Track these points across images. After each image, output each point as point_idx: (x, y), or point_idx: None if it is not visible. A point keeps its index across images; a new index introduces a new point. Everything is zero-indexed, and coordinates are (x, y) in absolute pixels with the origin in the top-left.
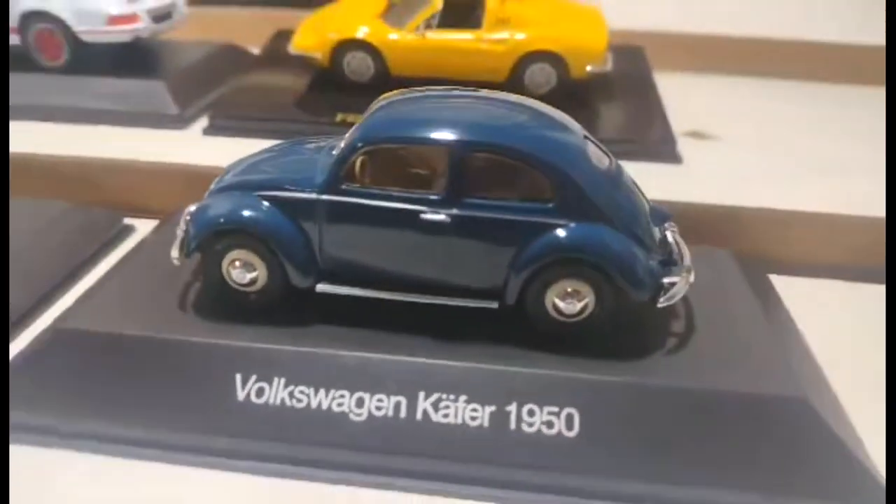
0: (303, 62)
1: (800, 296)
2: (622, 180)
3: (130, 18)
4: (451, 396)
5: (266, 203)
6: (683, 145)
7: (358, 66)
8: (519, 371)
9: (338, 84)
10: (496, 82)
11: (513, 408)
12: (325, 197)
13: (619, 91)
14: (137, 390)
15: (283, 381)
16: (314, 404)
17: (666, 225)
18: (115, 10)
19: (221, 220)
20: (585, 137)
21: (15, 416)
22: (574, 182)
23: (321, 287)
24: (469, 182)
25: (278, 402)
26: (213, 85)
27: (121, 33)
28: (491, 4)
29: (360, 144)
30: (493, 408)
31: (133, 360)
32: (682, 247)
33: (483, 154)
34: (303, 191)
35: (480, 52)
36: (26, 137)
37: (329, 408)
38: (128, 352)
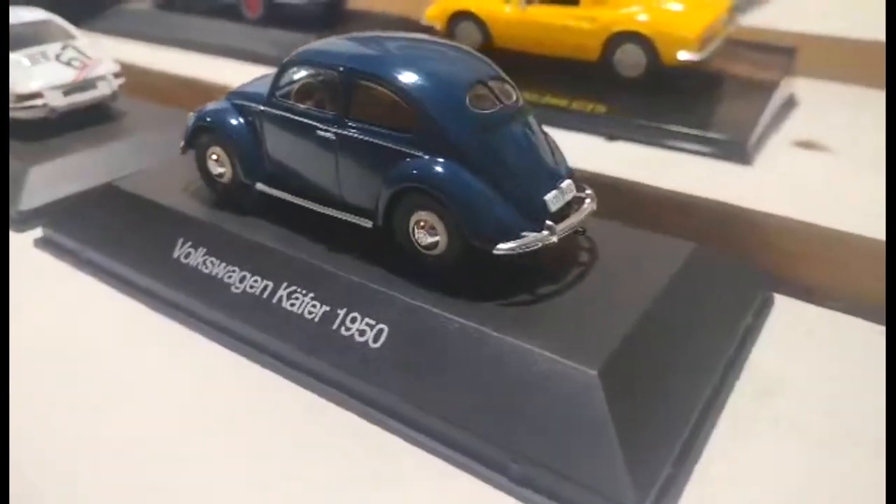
0: None
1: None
2: (510, 128)
3: None
4: (303, 291)
5: (236, 111)
6: (777, 151)
7: (467, 35)
8: (356, 281)
9: None
10: (589, 61)
11: (342, 311)
12: (262, 108)
13: (726, 85)
14: (128, 238)
15: (203, 250)
16: (214, 272)
17: (563, 184)
18: None
19: (202, 119)
20: (489, 79)
21: (56, 237)
22: (431, 116)
23: (259, 186)
24: (353, 106)
25: (195, 264)
26: None
27: None
28: None
29: (283, 62)
30: (327, 308)
31: (135, 216)
32: (575, 210)
33: (364, 81)
34: (258, 102)
35: (572, 29)
36: None
37: (221, 278)
38: (136, 209)
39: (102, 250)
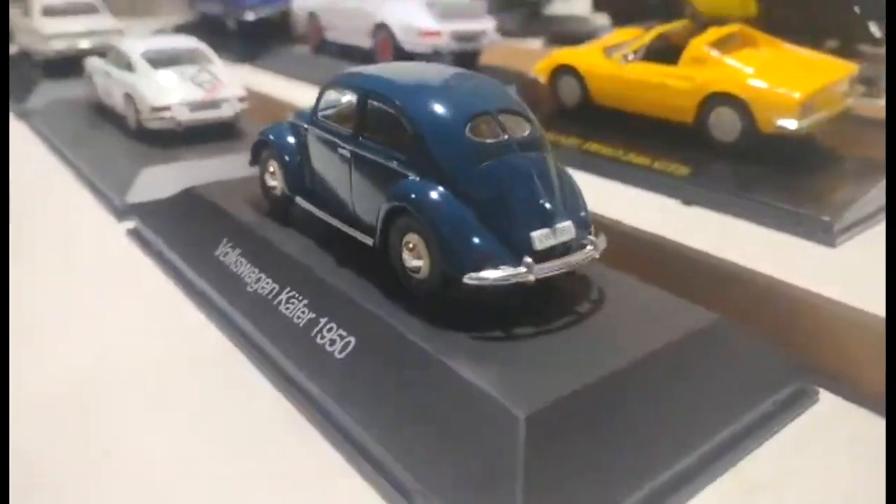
0: None
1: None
2: (508, 160)
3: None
4: (300, 297)
5: (292, 129)
6: (870, 240)
7: (568, 90)
8: (345, 294)
9: (560, 108)
10: (685, 123)
11: (323, 320)
12: (307, 126)
13: (830, 162)
14: (188, 234)
15: (238, 251)
16: (240, 271)
17: (560, 224)
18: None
19: (265, 135)
20: (499, 111)
21: (142, 229)
22: (424, 138)
23: (298, 199)
24: (367, 125)
25: (228, 263)
26: None
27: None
28: (694, 42)
29: (324, 85)
30: (313, 315)
31: (200, 216)
32: (571, 253)
33: (377, 102)
34: (305, 121)
35: (668, 88)
36: None
37: (243, 276)
38: (203, 211)
39: (169, 243)
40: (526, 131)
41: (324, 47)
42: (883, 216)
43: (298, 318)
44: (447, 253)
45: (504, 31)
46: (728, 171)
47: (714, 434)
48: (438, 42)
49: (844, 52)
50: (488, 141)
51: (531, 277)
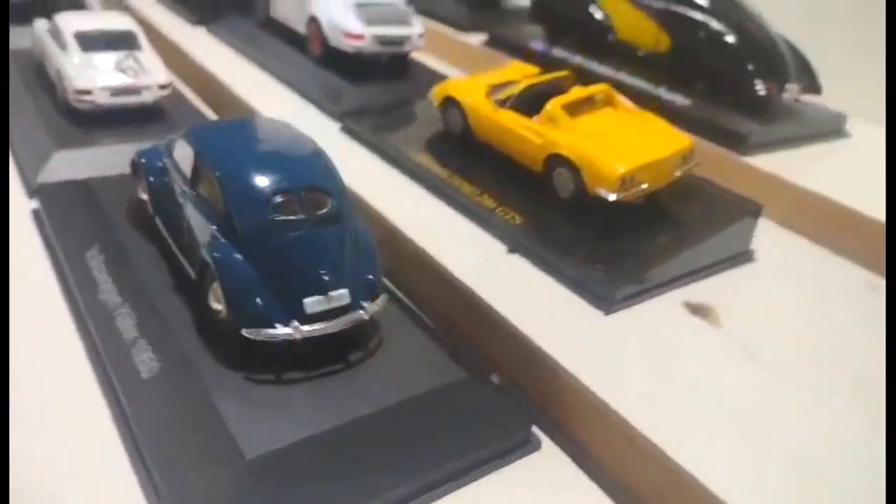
0: None
1: None
2: (298, 235)
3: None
4: (130, 313)
5: (161, 155)
6: (652, 309)
7: (453, 121)
8: (162, 315)
9: (448, 133)
10: (536, 172)
11: (143, 341)
12: (165, 160)
13: (650, 227)
14: (73, 224)
15: (103, 256)
16: (97, 276)
17: (335, 293)
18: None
19: (138, 157)
20: (303, 189)
21: (43, 210)
22: (231, 213)
23: (156, 219)
24: (198, 178)
25: (93, 267)
26: None
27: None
28: (552, 104)
29: (177, 134)
30: (136, 333)
31: (88, 213)
32: (337, 317)
33: (204, 165)
34: (166, 154)
35: (525, 140)
36: None
37: (98, 282)
38: (89, 206)
39: (57, 232)
40: (325, 208)
41: (271, 24)
42: (661, 293)
43: (126, 333)
44: (231, 309)
45: (454, 23)
46: (552, 227)
47: (432, 470)
48: (361, 44)
49: (733, 100)
50: (285, 218)
51: (297, 336)
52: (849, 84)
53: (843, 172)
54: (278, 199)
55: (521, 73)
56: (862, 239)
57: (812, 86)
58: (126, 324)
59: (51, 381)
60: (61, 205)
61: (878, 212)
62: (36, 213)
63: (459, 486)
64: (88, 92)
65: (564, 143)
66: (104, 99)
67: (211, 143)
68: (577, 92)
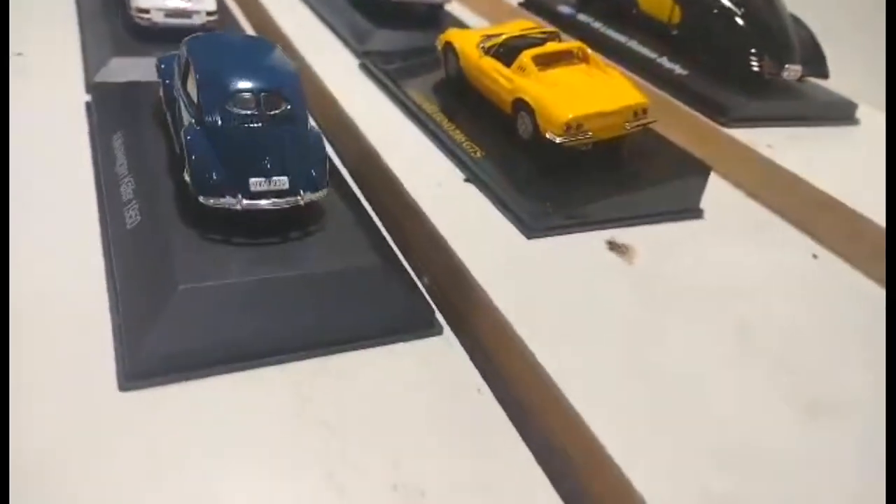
0: None
1: None
2: (253, 126)
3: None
4: (133, 181)
5: (175, 59)
6: (575, 239)
7: (450, 64)
8: (154, 179)
9: (448, 76)
10: (506, 115)
11: (135, 200)
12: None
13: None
14: (113, 124)
15: (122, 140)
16: (115, 155)
17: (277, 179)
18: None
19: (160, 62)
20: (261, 91)
21: (94, 104)
22: (201, 105)
23: (165, 110)
24: (186, 78)
25: (116, 147)
26: None
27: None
28: (524, 55)
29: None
30: (131, 196)
31: (123, 108)
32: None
33: (188, 64)
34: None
35: (498, 84)
36: None
37: (116, 157)
38: (125, 102)
39: (100, 122)
40: (279, 108)
41: None
42: (590, 230)
43: (125, 196)
44: (193, 179)
45: None
46: (507, 163)
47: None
48: (149, 17)
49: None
50: (242, 112)
51: (239, 207)
52: (871, 71)
53: (825, 155)
54: (239, 96)
55: (519, 29)
56: (818, 213)
57: (819, 70)
58: (127, 189)
59: (68, 226)
60: (107, 100)
61: (846, 195)
62: (88, 105)
63: (356, 349)
64: (147, 11)
65: (527, 90)
66: (159, 18)
67: (199, 52)
68: (550, 46)
